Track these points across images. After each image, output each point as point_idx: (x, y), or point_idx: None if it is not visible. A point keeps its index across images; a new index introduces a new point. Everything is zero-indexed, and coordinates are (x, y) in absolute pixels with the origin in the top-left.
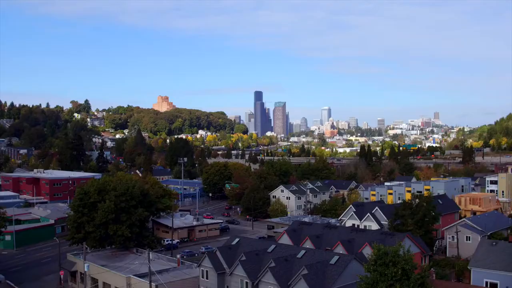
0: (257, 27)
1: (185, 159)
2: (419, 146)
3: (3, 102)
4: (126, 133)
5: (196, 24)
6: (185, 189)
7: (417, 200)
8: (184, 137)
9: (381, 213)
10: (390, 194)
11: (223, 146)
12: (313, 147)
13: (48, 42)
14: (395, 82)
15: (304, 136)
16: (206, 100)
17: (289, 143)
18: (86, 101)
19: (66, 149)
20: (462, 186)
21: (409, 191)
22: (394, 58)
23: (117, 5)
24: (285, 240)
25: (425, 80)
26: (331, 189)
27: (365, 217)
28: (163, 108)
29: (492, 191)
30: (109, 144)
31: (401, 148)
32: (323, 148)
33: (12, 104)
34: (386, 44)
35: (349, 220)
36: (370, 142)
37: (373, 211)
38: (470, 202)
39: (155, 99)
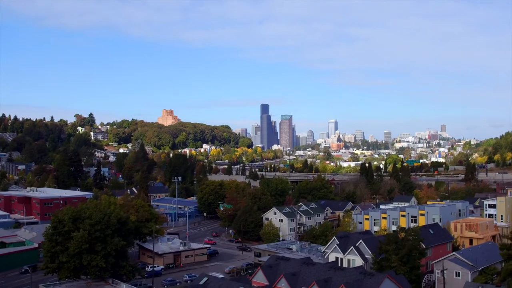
0: (264, 39)
1: (179, 178)
2: (424, 161)
3: (7, 115)
4: (130, 147)
5: (202, 36)
6: (180, 208)
7: (402, 233)
8: (188, 151)
9: (365, 246)
10: (384, 218)
11: (227, 161)
12: (318, 161)
13: (55, 55)
14: (402, 94)
15: (310, 149)
16: (212, 113)
17: (294, 157)
18: (91, 114)
19: (63, 165)
20: (459, 210)
21: (403, 216)
22: (401, 70)
23: (124, 17)
24: (260, 277)
25: (433, 92)
26: (326, 210)
27: (349, 250)
28: (168, 121)
29: (490, 215)
30: (112, 158)
31: (404, 164)
32: (327, 162)
33: (15, 117)
34: (393, 56)
35: (333, 253)
36: (376, 156)
37: (357, 244)
38: (466, 228)
39: (160, 112)
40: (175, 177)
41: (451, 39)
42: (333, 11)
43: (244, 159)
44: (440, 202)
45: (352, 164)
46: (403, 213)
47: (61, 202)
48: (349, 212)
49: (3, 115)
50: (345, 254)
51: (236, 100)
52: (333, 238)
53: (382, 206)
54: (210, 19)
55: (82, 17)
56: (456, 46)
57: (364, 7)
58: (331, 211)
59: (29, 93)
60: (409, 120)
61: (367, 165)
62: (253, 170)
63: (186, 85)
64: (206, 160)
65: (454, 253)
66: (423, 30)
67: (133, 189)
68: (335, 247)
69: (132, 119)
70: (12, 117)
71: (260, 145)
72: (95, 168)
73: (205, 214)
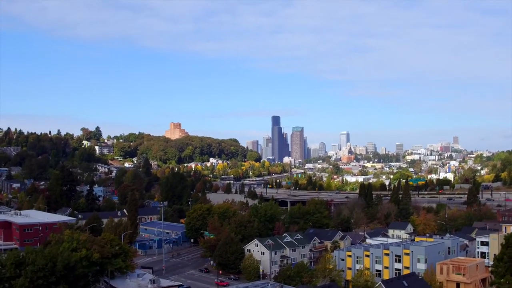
0: (276, 50)
1: (165, 203)
2: (432, 176)
3: (13, 128)
4: (135, 162)
5: (214, 47)
6: (167, 233)
7: None
8: (193, 165)
9: None
10: (367, 256)
11: (232, 176)
12: (327, 175)
13: (66, 66)
14: (414, 105)
15: (320, 161)
16: (222, 124)
17: (303, 171)
18: (97, 128)
19: (56, 184)
20: (449, 248)
21: (387, 255)
22: (414, 81)
23: (137, 28)
24: None
25: (445, 103)
26: (314, 240)
27: None
28: (175, 135)
29: (483, 253)
30: (115, 174)
31: (410, 182)
32: (335, 176)
33: (20, 131)
34: (405, 67)
35: None
36: (386, 169)
37: None
38: (453, 270)
39: (168, 125)
40: (161, 203)
41: (463, 49)
42: (346, 22)
43: (250, 173)
44: (428, 239)
45: (360, 178)
46: (387, 251)
47: (40, 228)
48: (337, 243)
49: (9, 128)
50: None
51: (248, 111)
52: None
53: (368, 240)
54: (223, 30)
55: (95, 28)
56: (468, 57)
57: (377, 18)
58: (319, 241)
59: (38, 104)
60: (422, 132)
61: (366, 186)
62: (252, 188)
63: (196, 96)
64: (211, 175)
65: None
66: (435, 41)
67: (124, 210)
68: None
69: (139, 132)
70: (18, 130)
71: (271, 157)
72: (88, 188)
73: (192, 241)
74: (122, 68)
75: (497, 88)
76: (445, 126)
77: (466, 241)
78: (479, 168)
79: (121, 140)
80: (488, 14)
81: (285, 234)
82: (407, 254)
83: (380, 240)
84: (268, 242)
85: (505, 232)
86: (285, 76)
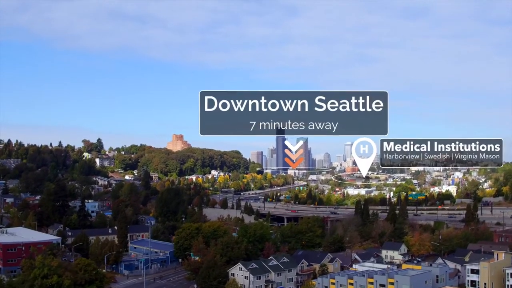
0: (281, 61)
1: (153, 221)
2: (432, 189)
3: (14, 140)
4: (136, 174)
5: (220, 58)
6: (156, 252)
7: None
8: (194, 178)
9: None
10: (351, 284)
11: (232, 189)
12: (329, 187)
13: (69, 76)
14: (419, 115)
15: (324, 173)
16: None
17: (306, 183)
18: (99, 139)
19: (48, 200)
20: (437, 277)
21: (371, 283)
22: (419, 91)
23: (142, 39)
24: None
25: (451, 113)
26: (302, 263)
27: None
28: (177, 147)
29: (473, 282)
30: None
31: (409, 197)
32: (337, 189)
33: (20, 143)
34: (410, 77)
35: None
36: (390, 181)
37: None
38: None
39: (171, 136)
40: (148, 220)
41: (469, 59)
42: (352, 32)
43: (252, 186)
44: (415, 266)
45: (362, 191)
46: (371, 280)
47: (23, 248)
48: (326, 266)
49: (9, 140)
50: None
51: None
52: None
53: (354, 266)
54: (228, 40)
55: (101, 38)
56: (474, 66)
57: (383, 28)
58: (307, 264)
59: (41, 114)
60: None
61: (362, 203)
62: (248, 203)
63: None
64: (211, 188)
65: None
66: (441, 51)
67: (115, 227)
68: None
69: (141, 144)
70: (18, 142)
71: (276, 168)
72: (80, 203)
73: (180, 260)
74: (126, 79)
75: (503, 98)
76: (449, 136)
77: (459, 266)
78: (482, 180)
79: (122, 152)
80: (493, 24)
81: (271, 257)
82: (392, 283)
83: (367, 265)
84: (252, 266)
85: (497, 259)
86: (290, 86)
